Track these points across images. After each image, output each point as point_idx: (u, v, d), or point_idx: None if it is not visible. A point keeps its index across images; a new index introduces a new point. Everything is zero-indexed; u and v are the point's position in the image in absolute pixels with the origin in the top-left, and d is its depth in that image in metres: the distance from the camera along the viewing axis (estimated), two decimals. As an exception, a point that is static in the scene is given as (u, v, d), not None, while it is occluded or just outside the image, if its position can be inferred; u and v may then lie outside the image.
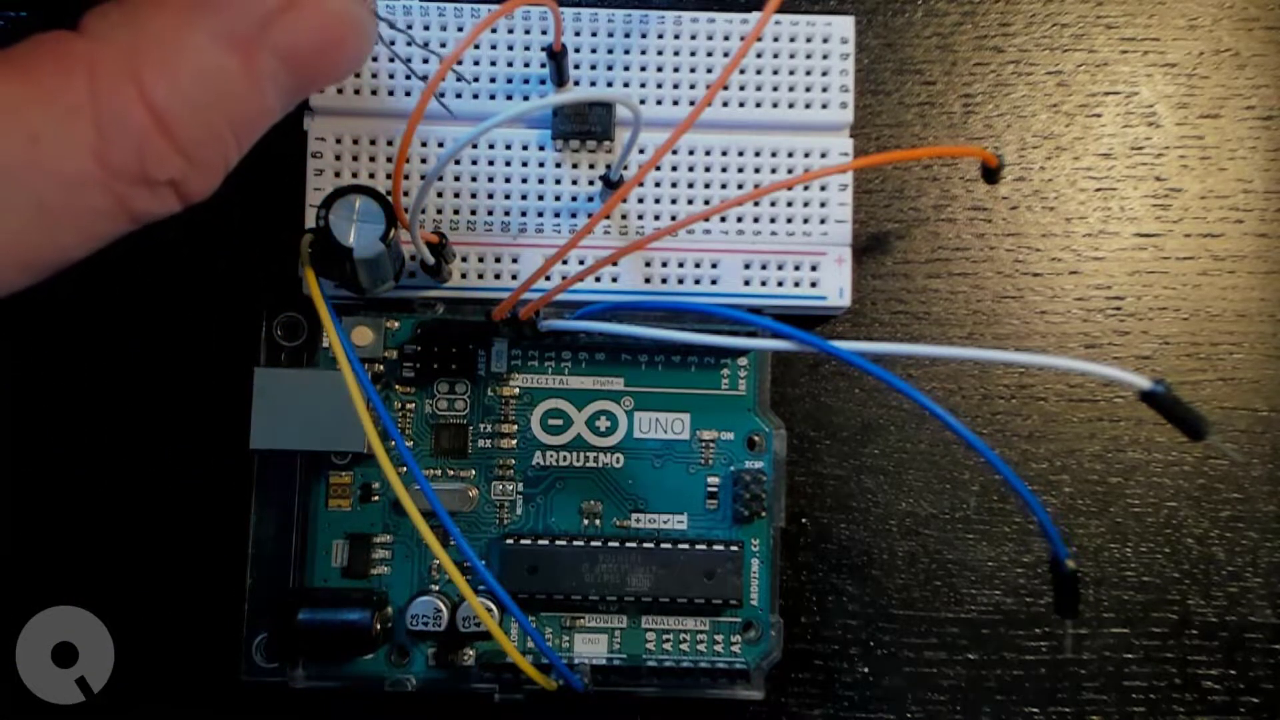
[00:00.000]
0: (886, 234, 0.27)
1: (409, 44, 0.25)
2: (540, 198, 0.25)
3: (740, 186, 0.26)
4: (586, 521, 0.25)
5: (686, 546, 0.25)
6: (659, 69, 0.26)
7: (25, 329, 0.26)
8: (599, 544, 0.25)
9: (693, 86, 0.26)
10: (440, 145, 0.25)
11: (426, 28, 0.25)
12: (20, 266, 0.17)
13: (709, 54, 0.26)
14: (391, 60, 0.25)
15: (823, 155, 0.26)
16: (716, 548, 0.25)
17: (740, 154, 0.26)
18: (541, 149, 0.25)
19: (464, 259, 0.25)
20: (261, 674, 0.25)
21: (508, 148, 0.25)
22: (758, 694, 0.25)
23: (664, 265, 0.26)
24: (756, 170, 0.26)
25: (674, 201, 0.26)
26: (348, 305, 0.25)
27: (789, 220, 0.26)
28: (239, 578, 0.25)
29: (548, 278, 0.24)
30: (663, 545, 0.25)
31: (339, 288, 0.24)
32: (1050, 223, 0.27)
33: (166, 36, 0.17)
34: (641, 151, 0.25)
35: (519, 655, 0.23)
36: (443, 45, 0.25)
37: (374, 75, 0.25)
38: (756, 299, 0.26)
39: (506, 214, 0.25)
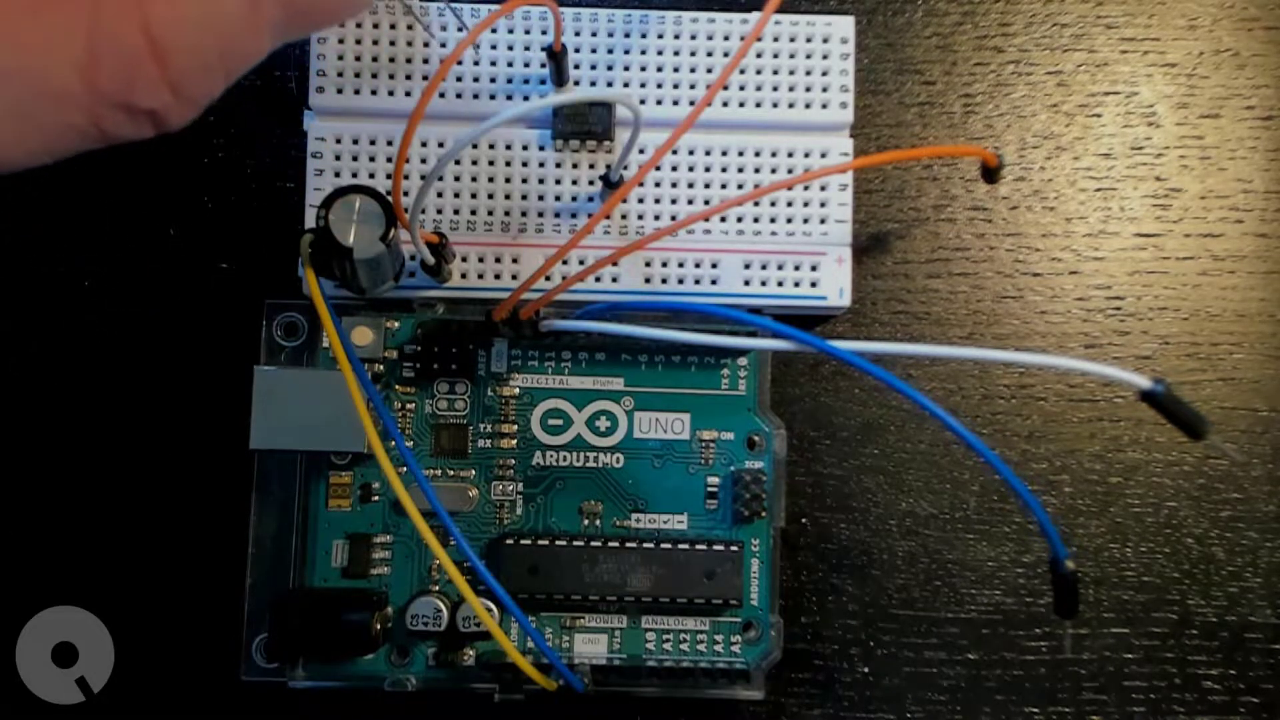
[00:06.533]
0: (886, 234, 0.27)
1: (409, 44, 0.25)
2: (540, 198, 0.25)
3: (740, 186, 0.26)
4: (586, 521, 0.25)
5: (686, 546, 0.25)
6: (659, 69, 0.26)
7: (25, 329, 0.26)
8: (599, 544, 0.25)
9: (693, 86, 0.26)
10: (440, 145, 0.25)
11: (427, 28, 0.25)
12: None
13: (709, 54, 0.26)
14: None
15: (823, 155, 0.26)
16: (716, 548, 0.25)
17: (740, 154, 0.26)
18: (541, 149, 0.25)
19: (464, 259, 0.25)
20: (261, 674, 0.25)
21: (508, 148, 0.25)
22: (758, 694, 0.25)
23: (664, 265, 0.26)
24: (756, 170, 0.26)
25: (674, 201, 0.26)
26: (348, 305, 0.25)
27: (789, 220, 0.26)
28: (239, 578, 0.25)
29: (548, 278, 0.24)
30: (663, 545, 0.25)
31: (339, 288, 0.24)
32: (1050, 223, 0.27)
33: None
34: (641, 151, 0.25)
35: (519, 655, 0.23)
36: (443, 45, 0.25)
37: (374, 75, 0.25)
38: (756, 299, 0.26)
39: (506, 214, 0.25)
